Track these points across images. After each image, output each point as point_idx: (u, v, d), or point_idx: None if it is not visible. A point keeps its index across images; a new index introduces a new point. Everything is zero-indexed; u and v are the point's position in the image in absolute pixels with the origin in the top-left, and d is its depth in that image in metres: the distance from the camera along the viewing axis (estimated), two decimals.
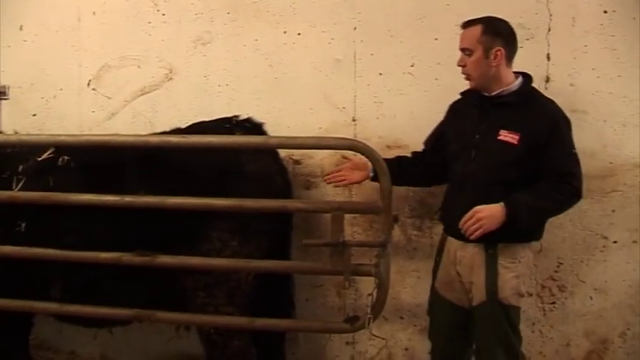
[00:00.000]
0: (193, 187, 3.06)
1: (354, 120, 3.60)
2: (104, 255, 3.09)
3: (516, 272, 2.88)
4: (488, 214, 2.72)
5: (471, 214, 2.74)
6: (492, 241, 2.84)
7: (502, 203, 2.73)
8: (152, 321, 3.25)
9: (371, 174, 3.13)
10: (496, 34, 2.87)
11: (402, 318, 3.68)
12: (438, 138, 3.21)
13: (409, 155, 3.31)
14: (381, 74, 3.56)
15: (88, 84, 3.98)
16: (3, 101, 4.15)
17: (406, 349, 3.69)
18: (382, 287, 3.01)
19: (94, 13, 3.95)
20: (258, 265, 3.06)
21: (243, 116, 3.38)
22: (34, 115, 4.11)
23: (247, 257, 3.09)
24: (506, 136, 2.83)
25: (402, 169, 3.19)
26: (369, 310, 3.04)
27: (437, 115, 3.31)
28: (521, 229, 2.81)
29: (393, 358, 3.71)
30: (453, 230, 2.96)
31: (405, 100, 3.54)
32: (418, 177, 3.28)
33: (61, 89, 4.05)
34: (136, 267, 3.08)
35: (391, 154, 3.50)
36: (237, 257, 3.09)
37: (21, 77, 4.15)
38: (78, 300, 3.25)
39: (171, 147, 3.07)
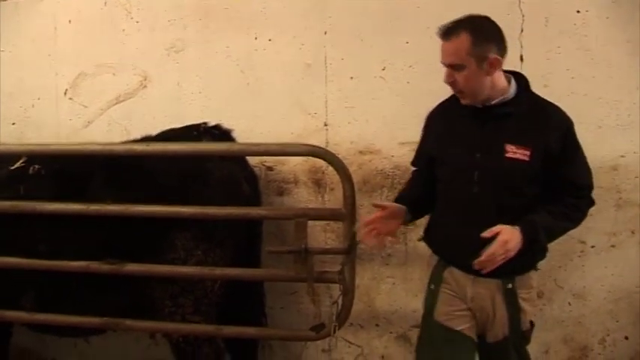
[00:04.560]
0: (159, 195, 3.06)
1: (325, 125, 3.56)
2: (73, 263, 3.10)
3: (532, 300, 2.68)
4: (515, 243, 2.36)
5: (501, 245, 2.33)
6: (509, 275, 2.54)
7: (519, 227, 2.38)
8: (121, 329, 3.26)
9: (407, 217, 2.73)
10: (487, 40, 2.44)
11: (377, 325, 3.63)
12: (429, 155, 2.75)
13: (411, 186, 2.91)
14: (352, 78, 3.51)
15: (65, 93, 3.98)
16: None
17: (382, 356, 3.64)
18: (347, 294, 2.99)
19: (69, 21, 3.94)
20: (222, 272, 3.04)
21: (212, 123, 3.36)
22: (13, 124, 4.13)
23: (212, 265, 3.07)
24: (515, 152, 2.44)
25: (418, 204, 2.78)
26: (334, 317, 3.03)
27: (410, 119, 3.28)
28: (535, 252, 2.55)
29: None
30: (458, 263, 2.60)
31: (377, 104, 3.49)
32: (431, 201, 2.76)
33: (38, 98, 4.06)
34: (107, 276, 3.09)
35: (363, 160, 3.50)
36: (202, 266, 3.07)
37: (1, 86, 4.17)
38: (50, 309, 3.27)
39: (135, 155, 3.08)
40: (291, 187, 3.62)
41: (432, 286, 2.71)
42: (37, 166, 3.34)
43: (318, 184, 3.58)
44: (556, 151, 2.44)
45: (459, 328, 2.63)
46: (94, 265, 3.08)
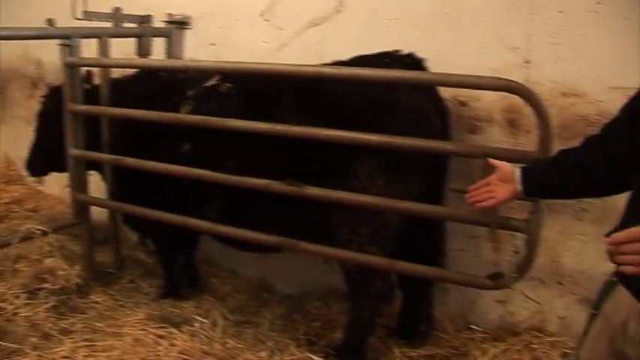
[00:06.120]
0: (345, 120, 3.00)
1: (527, 62, 3.26)
2: (255, 181, 3.17)
3: None
4: None
5: (633, 235, 1.53)
6: None
7: None
8: (295, 250, 3.28)
9: (518, 187, 2.26)
10: None
11: (560, 284, 3.37)
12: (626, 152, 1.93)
13: (575, 158, 2.15)
14: (561, 12, 3.16)
15: (261, 15, 4.02)
16: (186, 31, 4.34)
17: (562, 317, 3.38)
18: (531, 245, 2.77)
19: None
20: (404, 206, 2.93)
21: (406, 51, 3.22)
22: (212, 44, 4.26)
23: (394, 198, 2.96)
24: None
25: (563, 171, 2.16)
26: (514, 268, 2.84)
27: (625, 61, 2.95)
28: None
29: (545, 324, 3.42)
30: (628, 281, 1.79)
31: (588, 42, 3.11)
32: (590, 182, 2.09)
33: (236, 20, 4.15)
34: (286, 196, 3.12)
35: (565, 103, 3.19)
36: (383, 197, 2.98)
37: (203, 8, 4.32)
38: (231, 222, 3.39)
39: (324, 78, 3.05)
40: (484, 125, 3.40)
41: (595, 311, 1.98)
42: (229, 85, 3.42)
43: (513, 124, 3.33)
44: None
45: None
46: (276, 185, 3.12)
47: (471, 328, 3.57)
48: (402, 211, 3.00)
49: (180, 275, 4.12)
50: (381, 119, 3.00)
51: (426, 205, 2.94)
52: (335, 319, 3.72)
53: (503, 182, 2.33)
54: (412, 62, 3.18)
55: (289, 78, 3.23)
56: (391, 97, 3.03)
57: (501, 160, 2.50)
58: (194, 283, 4.19)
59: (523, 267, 2.83)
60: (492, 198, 2.36)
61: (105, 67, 3.90)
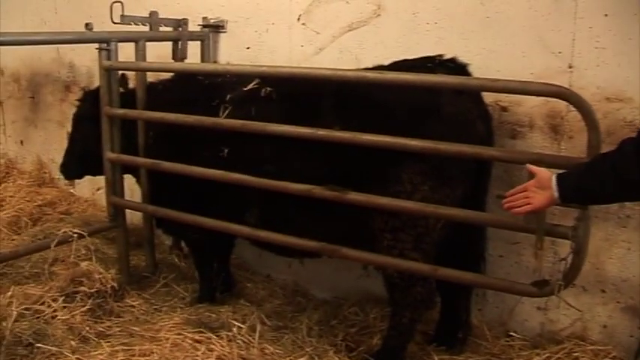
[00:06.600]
0: (388, 125, 2.97)
1: (570, 67, 3.22)
2: (296, 186, 3.16)
3: None
4: None
5: None
6: None
7: None
8: (336, 256, 3.27)
9: (555, 193, 2.30)
10: None
11: (603, 291, 3.33)
12: None
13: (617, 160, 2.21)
14: (606, 15, 3.11)
15: (298, 19, 4.02)
16: (221, 34, 4.35)
17: (604, 326, 3.34)
18: (579, 253, 2.73)
19: None
20: (448, 212, 2.91)
21: (448, 56, 3.18)
22: (247, 48, 4.26)
23: (438, 203, 2.94)
24: None
25: (598, 176, 2.23)
26: (560, 276, 2.80)
27: None
28: None
29: (587, 333, 3.37)
30: None
31: (634, 46, 3.07)
32: (624, 186, 2.16)
33: (273, 23, 4.15)
34: (327, 201, 3.10)
35: (610, 108, 3.16)
36: (427, 202, 2.95)
37: (238, 12, 4.32)
38: (270, 227, 3.38)
39: (367, 82, 3.03)
40: (525, 130, 3.37)
41: None
42: (269, 89, 3.41)
43: (556, 130, 3.29)
44: None
45: None
46: (317, 190, 3.10)
47: (510, 336, 3.54)
48: (446, 218, 2.97)
49: (215, 280, 4.11)
50: (425, 124, 2.97)
51: (471, 212, 2.92)
52: (372, 325, 3.70)
53: (541, 189, 2.37)
54: (455, 67, 3.14)
55: (330, 82, 3.20)
56: (435, 102, 3.00)
57: (548, 166, 2.51)
58: (229, 288, 4.17)
59: (570, 274, 2.79)
60: (528, 204, 2.40)
61: (143, 71, 3.91)
